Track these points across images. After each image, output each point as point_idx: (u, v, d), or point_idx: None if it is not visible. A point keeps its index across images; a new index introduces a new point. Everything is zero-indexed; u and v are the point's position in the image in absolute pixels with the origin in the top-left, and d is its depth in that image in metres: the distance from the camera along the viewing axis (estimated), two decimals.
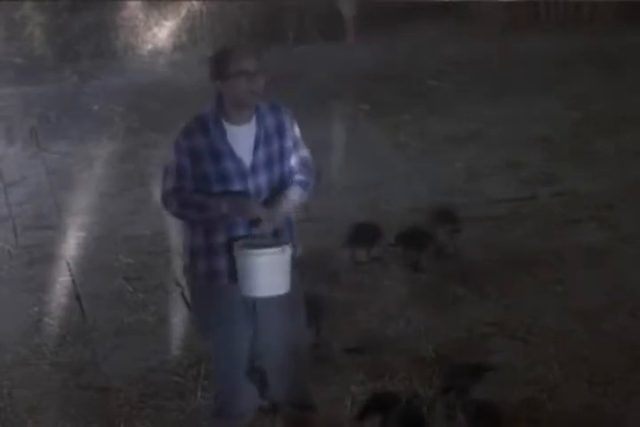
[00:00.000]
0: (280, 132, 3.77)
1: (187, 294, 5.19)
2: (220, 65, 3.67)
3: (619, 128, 8.77)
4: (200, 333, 4.14)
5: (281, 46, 12.13)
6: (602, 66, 10.82)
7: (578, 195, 7.27)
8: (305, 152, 3.88)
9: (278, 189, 3.77)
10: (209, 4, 13.19)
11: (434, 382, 4.63)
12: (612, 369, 4.78)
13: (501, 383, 4.58)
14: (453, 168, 7.98)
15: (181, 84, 10.96)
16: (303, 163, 3.86)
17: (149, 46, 12.95)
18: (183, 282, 5.44)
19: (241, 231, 3.73)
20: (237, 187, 3.69)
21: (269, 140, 3.74)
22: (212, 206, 3.67)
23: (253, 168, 3.71)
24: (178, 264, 5.73)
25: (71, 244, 6.73)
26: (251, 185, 3.71)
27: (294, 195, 3.78)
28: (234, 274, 3.73)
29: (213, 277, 3.79)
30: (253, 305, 3.82)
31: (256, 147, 3.71)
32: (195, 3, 13.15)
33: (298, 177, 3.83)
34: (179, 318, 5.44)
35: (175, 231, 5.75)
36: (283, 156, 3.78)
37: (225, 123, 3.70)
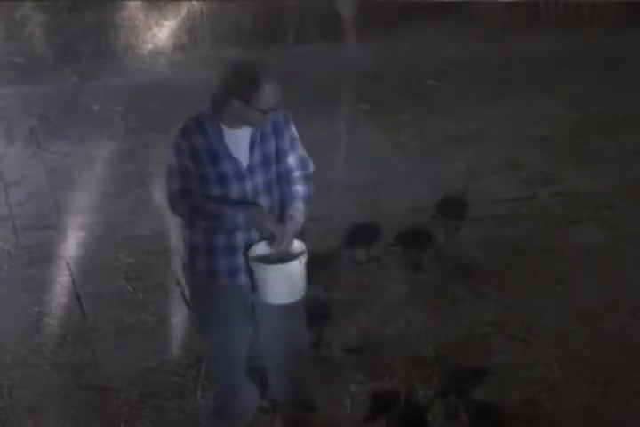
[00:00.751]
0: (276, 132, 3.76)
1: (187, 293, 5.20)
2: (250, 91, 3.54)
3: (619, 128, 8.77)
4: (199, 331, 4.15)
5: (281, 46, 12.12)
6: (602, 66, 10.80)
7: (578, 195, 7.26)
8: (303, 152, 3.87)
9: (276, 190, 3.77)
10: (209, 4, 13.17)
11: (434, 382, 4.64)
12: (612, 369, 4.78)
13: (501, 383, 4.59)
14: (453, 168, 7.98)
15: (181, 84, 10.94)
16: (301, 164, 3.85)
17: (149, 46, 12.92)
18: (183, 282, 5.46)
19: (241, 233, 3.72)
20: (235, 188, 3.68)
21: (265, 140, 3.73)
22: (228, 217, 3.66)
23: (250, 169, 3.70)
24: (178, 264, 5.75)
25: (71, 244, 6.73)
26: (248, 186, 3.71)
27: (299, 214, 3.77)
28: (233, 273, 3.74)
29: (212, 277, 3.80)
30: (252, 305, 3.83)
31: (252, 147, 3.70)
32: (195, 3, 13.13)
33: (298, 188, 3.81)
34: (179, 318, 5.45)
35: (175, 231, 5.75)
36: (279, 156, 3.77)
37: (222, 125, 3.68)
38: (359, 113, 9.63)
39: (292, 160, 3.82)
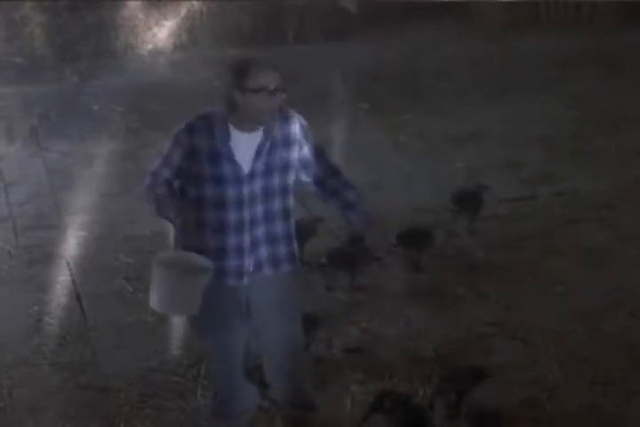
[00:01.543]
0: (288, 143, 3.72)
1: None
2: (240, 77, 3.56)
3: (619, 128, 8.78)
4: (196, 332, 4.14)
5: (281, 46, 12.12)
6: (602, 66, 10.82)
7: (578, 195, 7.27)
8: (332, 160, 3.90)
9: (279, 201, 3.76)
10: (209, 4, 13.18)
11: (434, 382, 4.63)
12: (612, 369, 4.78)
13: (501, 383, 4.58)
14: (453, 168, 7.98)
15: (181, 84, 10.96)
16: (333, 173, 3.90)
17: (149, 46, 12.93)
18: None
19: (232, 234, 3.71)
20: (231, 191, 3.66)
21: (273, 150, 3.69)
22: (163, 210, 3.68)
23: (251, 175, 3.67)
24: None
25: (71, 243, 6.73)
26: (245, 192, 3.68)
27: (369, 216, 4.07)
28: (223, 274, 3.73)
29: None
30: (247, 306, 3.82)
31: (257, 156, 3.67)
32: (195, 3, 13.14)
33: (349, 196, 4.01)
34: (178, 318, 5.44)
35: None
36: (287, 167, 3.74)
37: (231, 126, 3.66)
38: (359, 113, 9.64)
39: (320, 170, 3.83)
